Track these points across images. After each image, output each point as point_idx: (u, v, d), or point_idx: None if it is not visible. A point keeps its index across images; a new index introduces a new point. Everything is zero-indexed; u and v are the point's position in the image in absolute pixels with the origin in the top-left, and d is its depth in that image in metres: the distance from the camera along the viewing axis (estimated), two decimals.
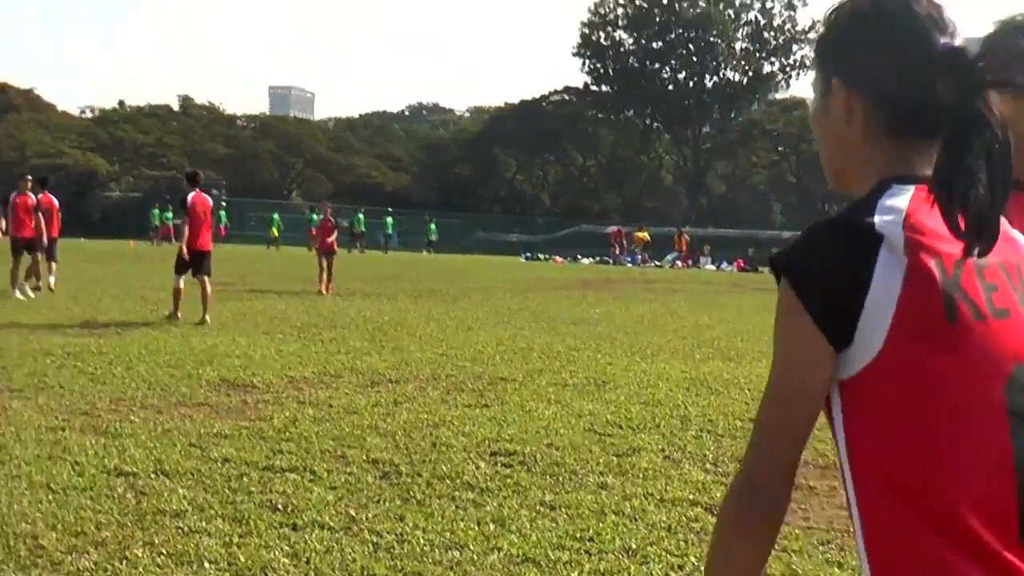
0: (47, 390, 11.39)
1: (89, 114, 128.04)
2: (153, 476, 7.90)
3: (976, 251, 1.90)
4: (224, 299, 23.50)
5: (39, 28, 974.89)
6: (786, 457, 2.00)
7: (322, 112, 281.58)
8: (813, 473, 8.53)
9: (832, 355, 1.94)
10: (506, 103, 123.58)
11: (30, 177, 25.23)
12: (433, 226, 77.11)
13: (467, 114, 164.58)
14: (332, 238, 27.96)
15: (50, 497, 7.30)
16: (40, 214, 24.23)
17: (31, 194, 24.29)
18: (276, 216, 73.03)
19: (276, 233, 70.03)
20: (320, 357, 14.44)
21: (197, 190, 19.82)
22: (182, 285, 19.03)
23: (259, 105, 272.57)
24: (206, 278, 19.09)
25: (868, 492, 1.94)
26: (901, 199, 1.97)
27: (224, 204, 75.25)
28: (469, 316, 21.76)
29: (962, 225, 1.89)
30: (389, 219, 73.72)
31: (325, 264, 27.45)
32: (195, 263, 19.25)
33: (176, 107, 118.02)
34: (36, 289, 23.89)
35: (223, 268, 35.80)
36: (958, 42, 2.02)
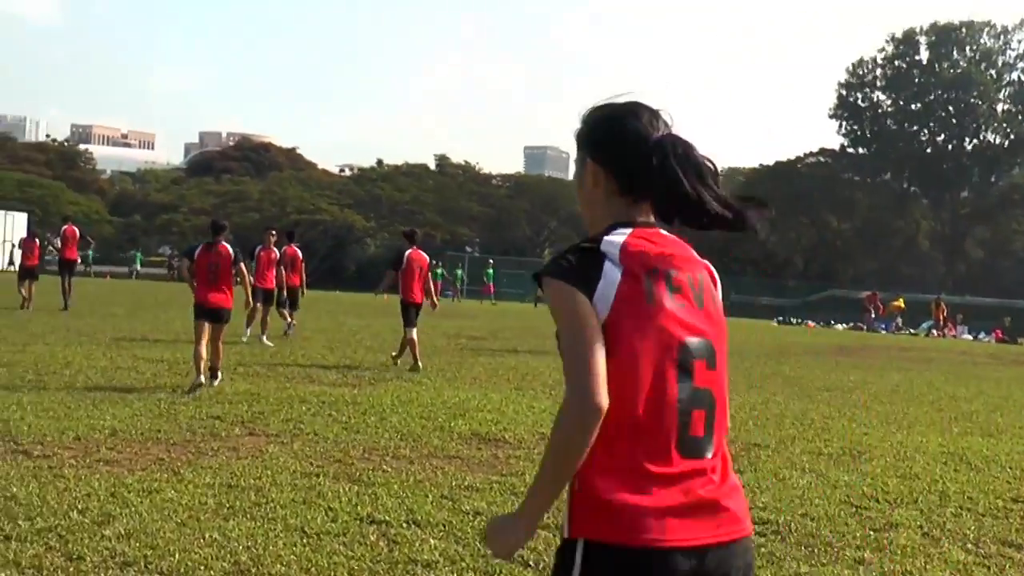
0: (302, 436, 11.67)
1: (348, 172, 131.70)
2: (405, 525, 8.00)
3: (680, 224, 3.27)
4: (477, 354, 23.83)
5: (302, 91, 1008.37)
6: (599, 367, 2.93)
7: None
8: None
9: (591, 305, 3.01)
10: (761, 164, 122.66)
11: (274, 232, 26.14)
12: None
13: (721, 176, 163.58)
14: None
15: (304, 541, 7.46)
16: (282, 266, 25.10)
17: (275, 248, 25.11)
18: None
19: None
20: None
21: (415, 247, 20.57)
22: (415, 336, 19.44)
23: (514, 165, 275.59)
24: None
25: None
26: (621, 236, 3.15)
27: (491, 262, 75.72)
28: None
29: (674, 221, 3.26)
30: None
31: None
32: (411, 315, 19.76)
33: (432, 166, 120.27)
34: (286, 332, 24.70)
35: (476, 324, 36.38)
36: (664, 132, 3.25)
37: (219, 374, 15.80)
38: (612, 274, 3.03)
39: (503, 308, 59.39)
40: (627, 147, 3.21)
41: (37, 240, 34.40)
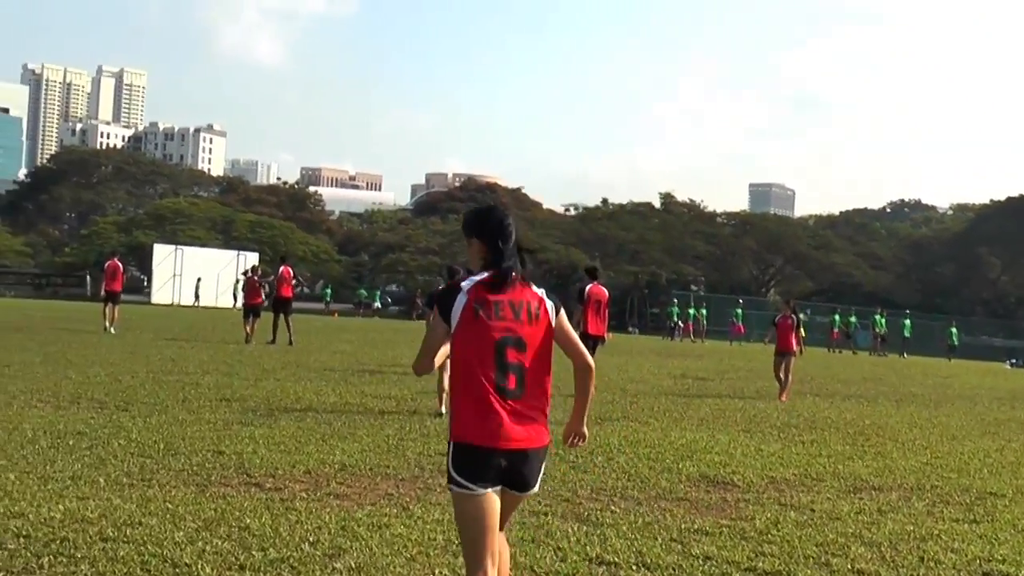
0: None
1: (573, 211, 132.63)
2: (634, 568, 7.91)
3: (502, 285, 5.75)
4: (702, 395, 23.60)
5: (528, 131, 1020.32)
6: (432, 350, 5.85)
7: (802, 209, 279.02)
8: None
9: (446, 326, 5.71)
10: (991, 200, 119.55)
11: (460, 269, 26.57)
12: (954, 329, 69.91)
13: (950, 212, 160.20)
14: (792, 337, 25.88)
15: None
16: None
17: None
18: (838, 316, 70.79)
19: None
20: (801, 459, 14.16)
21: (595, 282, 21.71)
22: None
23: (739, 203, 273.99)
24: None
25: (454, 366, 5.67)
26: (478, 278, 5.70)
27: (740, 302, 74.69)
28: (953, 424, 20.90)
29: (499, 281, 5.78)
30: (907, 321, 68.94)
31: (783, 365, 25.05)
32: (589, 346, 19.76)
33: (658, 204, 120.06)
34: None
35: (702, 364, 36.13)
36: (511, 224, 5.90)
37: None
38: (460, 302, 5.62)
39: (734, 349, 58.87)
40: (490, 231, 5.81)
41: (258, 279, 35.85)
